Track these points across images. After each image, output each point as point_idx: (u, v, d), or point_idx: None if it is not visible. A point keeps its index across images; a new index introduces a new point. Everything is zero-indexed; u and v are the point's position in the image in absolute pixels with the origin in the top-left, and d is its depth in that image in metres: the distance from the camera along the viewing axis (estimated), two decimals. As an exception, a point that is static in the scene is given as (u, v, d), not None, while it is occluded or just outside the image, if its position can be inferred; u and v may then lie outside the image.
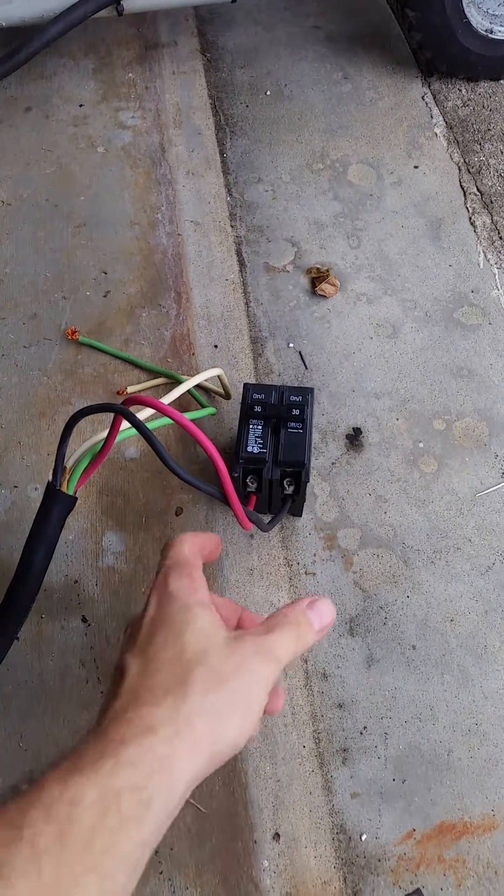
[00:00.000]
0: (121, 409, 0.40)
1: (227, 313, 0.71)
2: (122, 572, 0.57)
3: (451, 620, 0.55)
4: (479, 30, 0.84)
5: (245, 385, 0.58)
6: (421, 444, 0.63)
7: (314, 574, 0.57)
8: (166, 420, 0.57)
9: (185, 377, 0.63)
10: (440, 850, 0.48)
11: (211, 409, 0.63)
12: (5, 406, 0.65)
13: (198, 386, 0.65)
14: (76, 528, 0.59)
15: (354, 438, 0.64)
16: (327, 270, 0.73)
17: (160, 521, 0.59)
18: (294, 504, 0.57)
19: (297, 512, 0.59)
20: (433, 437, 0.64)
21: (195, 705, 0.32)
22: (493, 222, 0.78)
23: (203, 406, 0.63)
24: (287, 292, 0.72)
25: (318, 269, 0.73)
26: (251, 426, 0.55)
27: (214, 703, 0.33)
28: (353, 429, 0.64)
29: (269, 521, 0.55)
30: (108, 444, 0.45)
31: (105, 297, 0.71)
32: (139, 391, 0.65)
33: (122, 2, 0.78)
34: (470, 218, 0.78)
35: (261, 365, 0.68)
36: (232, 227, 0.77)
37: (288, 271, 0.74)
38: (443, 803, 0.50)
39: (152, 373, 0.67)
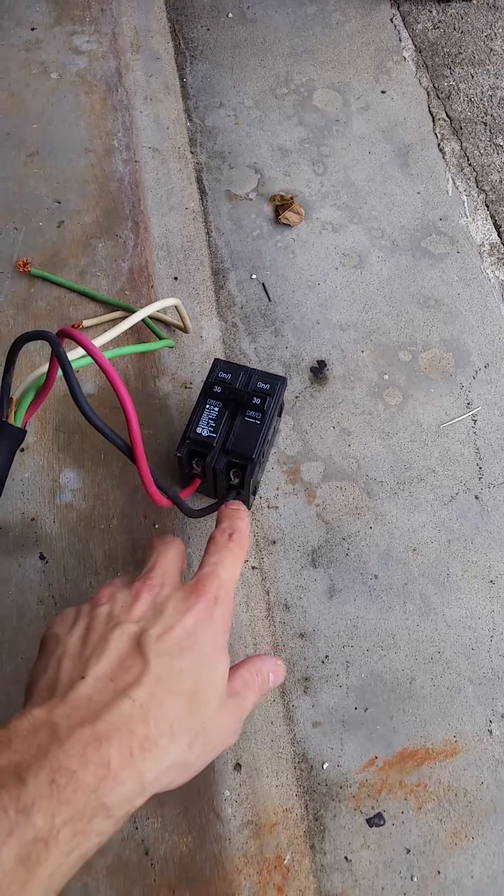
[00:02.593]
0: (50, 337, 0.38)
1: (187, 244, 0.68)
2: (81, 509, 0.56)
3: (414, 550, 0.55)
4: None
5: (215, 361, 0.53)
6: (386, 376, 0.62)
7: (277, 508, 0.56)
8: (121, 350, 0.55)
9: (142, 309, 0.61)
10: (402, 775, 0.48)
11: (169, 342, 0.61)
12: (-44, 341, 0.62)
13: (156, 318, 0.63)
14: (32, 465, 0.57)
15: (319, 371, 0.62)
16: (291, 198, 0.70)
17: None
18: (240, 496, 0.52)
19: (245, 504, 0.54)
20: (398, 369, 0.62)
21: (178, 757, 0.33)
22: (462, 148, 0.75)
23: (160, 338, 0.61)
24: (250, 221, 0.70)
25: (282, 196, 0.71)
26: (207, 406, 0.51)
27: (185, 758, 0.34)
28: (318, 361, 0.63)
29: (203, 508, 0.51)
30: (52, 375, 0.43)
31: (59, 227, 0.68)
32: (96, 325, 0.63)
33: None
34: (439, 144, 0.75)
35: (222, 297, 0.66)
36: (192, 153, 0.74)
37: (251, 199, 0.71)
38: (405, 731, 0.49)
39: (109, 306, 0.64)
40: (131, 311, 0.63)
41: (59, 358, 0.38)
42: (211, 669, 0.36)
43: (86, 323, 0.62)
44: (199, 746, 0.34)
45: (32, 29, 0.83)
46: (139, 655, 0.34)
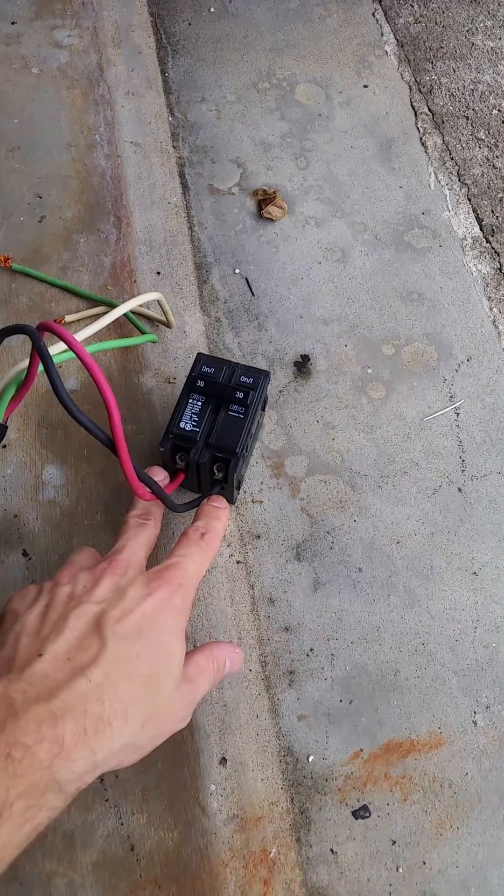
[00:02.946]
0: (30, 331, 0.38)
1: (169, 238, 0.68)
2: (64, 505, 0.55)
3: (398, 543, 0.55)
4: None
5: (198, 355, 0.53)
6: (370, 370, 0.62)
7: (261, 502, 0.56)
8: (103, 345, 0.55)
9: (125, 304, 0.60)
10: (387, 768, 0.48)
11: (151, 336, 0.60)
12: None
13: (138, 313, 0.63)
14: (14, 461, 0.57)
15: (302, 366, 0.62)
16: (274, 193, 0.70)
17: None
18: (224, 491, 0.52)
19: (229, 499, 0.54)
20: (382, 363, 0.62)
21: (128, 739, 0.34)
22: (444, 142, 0.75)
23: (143, 333, 0.61)
24: (233, 216, 0.70)
25: (264, 191, 0.70)
26: (191, 401, 0.51)
27: (136, 741, 0.35)
28: (301, 356, 0.63)
29: (187, 502, 0.50)
30: (33, 370, 0.42)
31: (40, 222, 0.67)
32: (78, 320, 0.62)
33: None
34: (421, 138, 0.75)
35: (206, 292, 0.65)
36: (174, 147, 0.73)
37: (233, 194, 0.71)
38: (390, 723, 0.50)
39: (91, 301, 0.64)
40: (113, 306, 0.62)
41: (39, 352, 0.38)
42: (167, 654, 0.36)
43: (68, 318, 0.62)
44: (150, 729, 0.35)
45: (13, 23, 0.83)
46: (97, 636, 0.34)
